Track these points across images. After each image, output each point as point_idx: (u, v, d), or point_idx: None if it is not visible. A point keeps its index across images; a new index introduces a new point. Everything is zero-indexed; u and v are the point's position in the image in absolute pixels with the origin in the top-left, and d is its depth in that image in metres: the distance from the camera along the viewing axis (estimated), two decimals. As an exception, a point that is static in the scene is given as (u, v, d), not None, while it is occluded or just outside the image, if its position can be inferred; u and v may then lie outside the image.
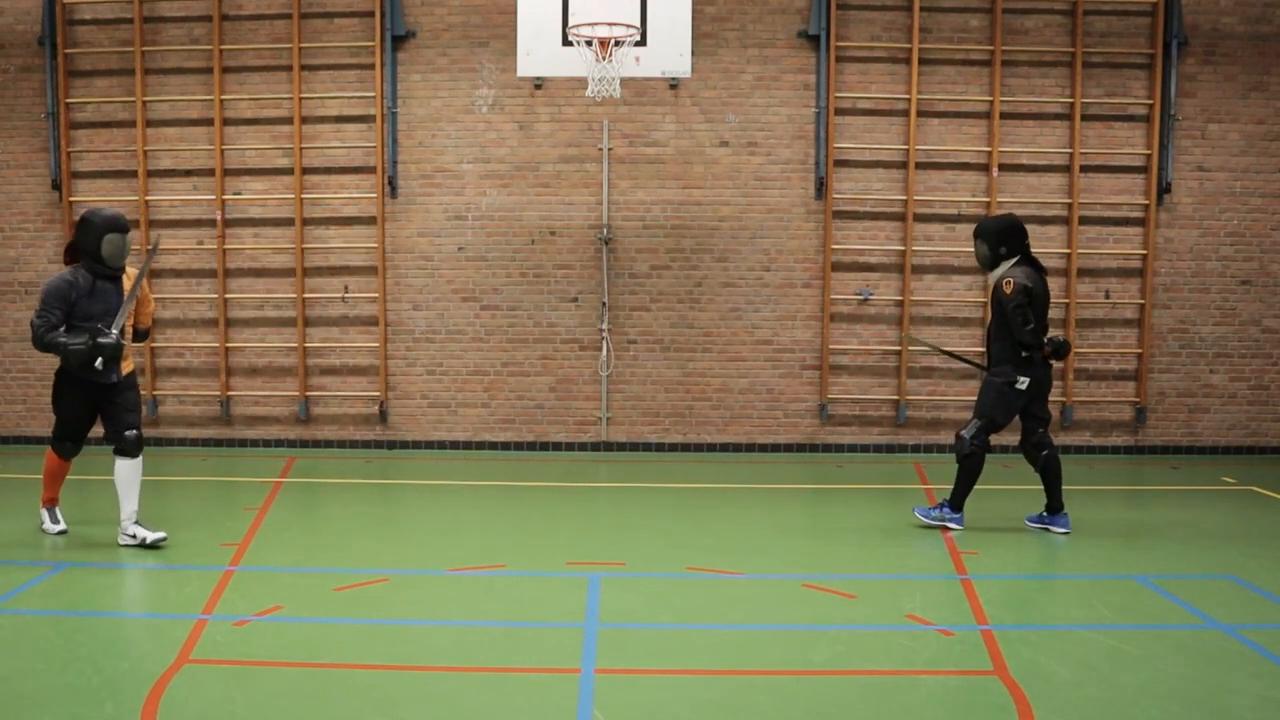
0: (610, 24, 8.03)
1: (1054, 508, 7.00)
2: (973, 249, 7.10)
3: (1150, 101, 9.78)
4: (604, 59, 8.07)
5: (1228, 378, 10.12)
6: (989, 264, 6.92)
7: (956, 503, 7.01)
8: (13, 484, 8.57)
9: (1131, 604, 5.54)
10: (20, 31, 9.97)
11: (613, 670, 4.53)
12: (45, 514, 6.79)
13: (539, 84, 9.80)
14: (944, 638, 4.97)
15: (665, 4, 8.50)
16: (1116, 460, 10.00)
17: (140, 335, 6.76)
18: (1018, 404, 6.86)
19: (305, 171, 9.93)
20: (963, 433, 6.90)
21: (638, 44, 8.32)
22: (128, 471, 6.40)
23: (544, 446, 10.10)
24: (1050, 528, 6.99)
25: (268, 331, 10.13)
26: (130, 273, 6.51)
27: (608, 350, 9.97)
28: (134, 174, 9.98)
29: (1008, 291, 6.70)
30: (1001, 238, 6.83)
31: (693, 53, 8.84)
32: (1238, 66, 9.86)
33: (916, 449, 10.03)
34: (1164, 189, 9.87)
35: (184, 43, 9.92)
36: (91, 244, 6.19)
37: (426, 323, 10.05)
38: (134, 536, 6.43)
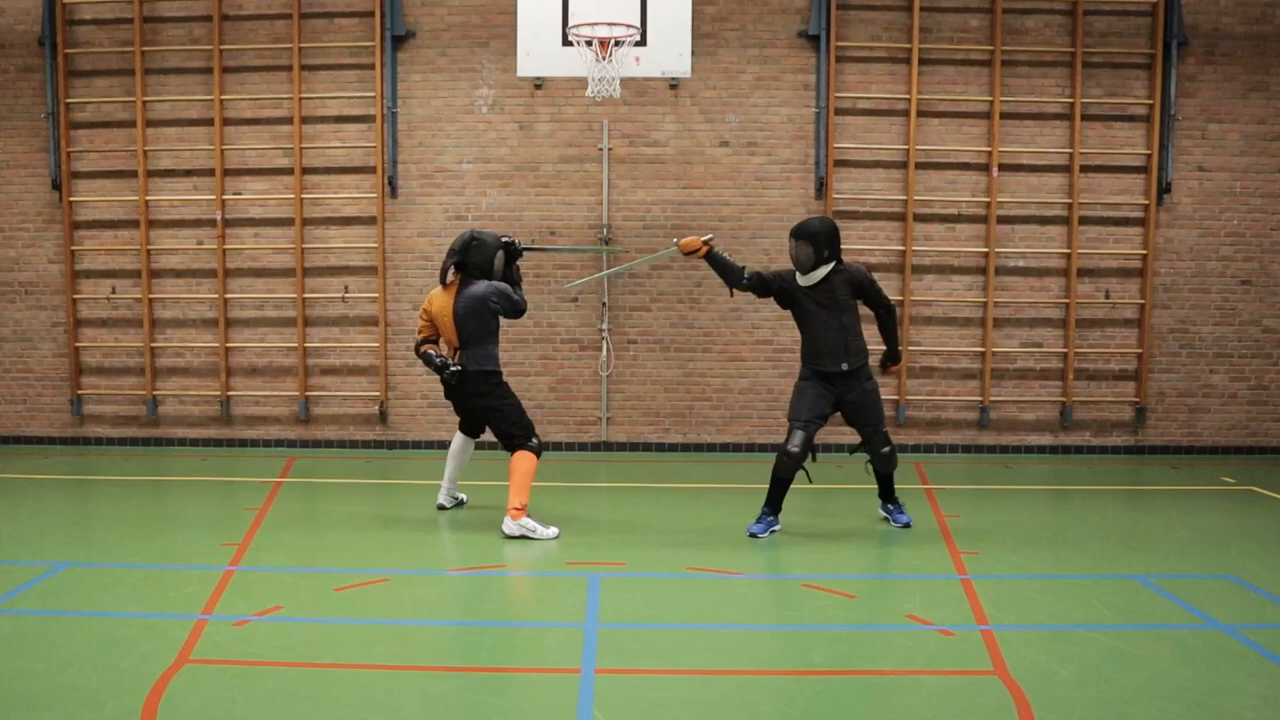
0: (610, 24, 8.02)
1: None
2: (801, 250, 6.68)
3: (1150, 101, 9.78)
4: (604, 59, 8.07)
5: (1228, 378, 10.12)
6: (810, 266, 6.67)
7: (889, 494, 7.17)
8: (13, 484, 8.56)
9: (1131, 604, 5.53)
10: (20, 31, 9.97)
11: (613, 670, 4.53)
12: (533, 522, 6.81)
13: (539, 84, 9.80)
14: (944, 638, 4.96)
15: (665, 4, 8.49)
16: (1116, 460, 10.00)
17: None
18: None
19: (305, 171, 9.92)
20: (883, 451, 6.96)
21: (638, 44, 8.32)
22: None
23: (544, 446, 10.06)
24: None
25: (268, 331, 10.13)
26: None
27: (608, 350, 9.97)
28: (134, 174, 9.97)
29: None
30: (829, 240, 6.63)
31: (693, 53, 8.84)
32: (1238, 66, 9.86)
33: (916, 449, 10.03)
34: (1164, 189, 9.87)
35: (184, 43, 9.92)
36: (486, 261, 6.84)
37: (426, 323, 10.04)
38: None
